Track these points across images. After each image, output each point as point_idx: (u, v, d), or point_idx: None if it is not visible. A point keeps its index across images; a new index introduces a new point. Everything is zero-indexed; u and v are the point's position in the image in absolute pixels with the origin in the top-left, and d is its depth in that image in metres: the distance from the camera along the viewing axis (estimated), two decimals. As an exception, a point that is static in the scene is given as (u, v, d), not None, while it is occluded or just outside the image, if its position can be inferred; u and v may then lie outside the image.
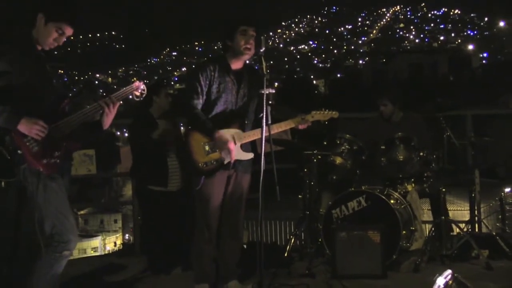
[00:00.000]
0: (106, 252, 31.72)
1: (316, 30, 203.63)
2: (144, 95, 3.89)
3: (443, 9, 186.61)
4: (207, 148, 4.37)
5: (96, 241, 40.54)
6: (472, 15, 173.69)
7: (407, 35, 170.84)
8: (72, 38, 3.89)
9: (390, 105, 6.18)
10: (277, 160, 4.20)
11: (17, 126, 3.50)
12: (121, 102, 3.86)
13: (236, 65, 4.53)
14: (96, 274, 5.71)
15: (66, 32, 3.76)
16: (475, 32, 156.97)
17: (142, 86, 3.87)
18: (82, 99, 3.88)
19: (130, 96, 3.85)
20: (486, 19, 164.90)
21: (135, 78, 3.95)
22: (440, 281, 3.82)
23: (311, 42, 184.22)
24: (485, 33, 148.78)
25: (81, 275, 5.50)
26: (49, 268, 3.71)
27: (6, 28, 4.00)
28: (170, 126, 5.60)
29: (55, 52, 3.90)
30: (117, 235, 43.53)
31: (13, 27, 3.91)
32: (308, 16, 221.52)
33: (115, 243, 42.13)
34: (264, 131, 4.09)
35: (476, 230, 6.23)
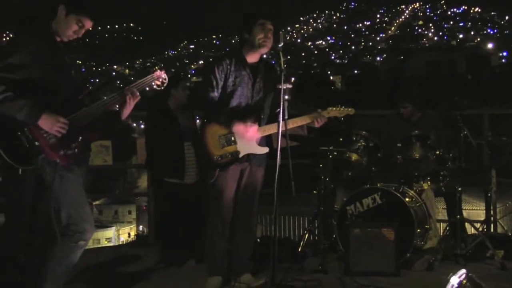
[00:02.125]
0: (120, 243, 31.91)
1: (334, 26, 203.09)
2: (165, 85, 3.90)
3: (463, 7, 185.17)
4: (222, 141, 4.38)
5: (110, 232, 40.84)
6: (492, 13, 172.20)
7: (426, 32, 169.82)
8: (90, 29, 3.90)
9: (410, 106, 6.15)
10: (293, 156, 4.21)
11: (38, 122, 3.53)
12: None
13: (252, 58, 4.53)
14: (110, 265, 5.75)
15: (86, 25, 3.78)
16: (495, 30, 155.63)
17: (164, 76, 3.88)
18: (101, 92, 3.89)
19: (153, 85, 3.87)
20: (506, 17, 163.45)
21: (156, 67, 3.96)
22: (454, 280, 3.80)
23: (329, 38, 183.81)
24: (505, 32, 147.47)
25: (95, 265, 5.54)
26: (65, 257, 3.74)
27: (26, 20, 4.03)
28: (188, 119, 5.61)
29: (74, 43, 3.92)
30: (131, 226, 43.82)
31: (33, 18, 3.94)
32: (327, 12, 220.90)
33: (129, 234, 42.46)
34: (280, 126, 4.09)
35: (492, 230, 6.19)
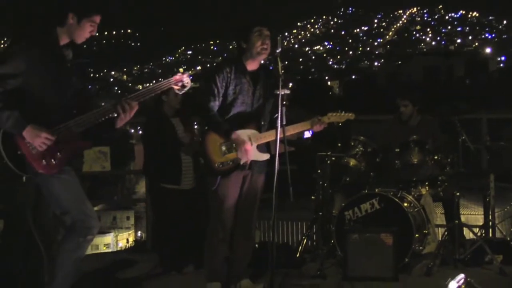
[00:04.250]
0: (118, 249, 31.85)
1: (332, 31, 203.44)
2: (186, 89, 3.82)
3: (461, 11, 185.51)
4: (223, 148, 4.37)
5: (109, 238, 40.74)
6: (490, 18, 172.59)
7: (424, 37, 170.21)
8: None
9: (410, 106, 6.15)
10: (291, 161, 4.20)
11: (23, 133, 3.52)
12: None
13: (252, 66, 4.52)
14: (108, 271, 5.74)
15: (97, 21, 3.78)
16: (493, 35, 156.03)
17: (186, 79, 3.80)
18: (100, 99, 3.87)
19: (176, 88, 3.81)
20: (504, 22, 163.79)
21: (181, 69, 3.83)
22: (453, 285, 3.80)
23: (326, 43, 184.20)
24: (503, 36, 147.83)
25: (93, 271, 5.52)
26: (73, 253, 3.76)
27: (26, 26, 4.02)
28: (184, 124, 5.61)
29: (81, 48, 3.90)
30: (130, 232, 43.72)
31: (35, 25, 3.93)
32: (324, 17, 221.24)
33: (127, 240, 42.36)
34: (279, 132, 4.09)
35: (490, 235, 6.19)
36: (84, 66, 3.94)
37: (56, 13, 3.75)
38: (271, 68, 4.64)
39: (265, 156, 4.53)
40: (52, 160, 3.62)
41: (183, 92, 3.86)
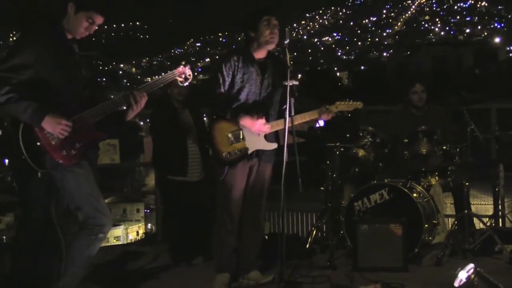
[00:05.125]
0: (128, 241, 31.99)
1: (340, 22, 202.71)
2: (189, 81, 3.87)
3: (470, 1, 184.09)
4: (230, 137, 4.39)
5: (119, 230, 40.91)
6: (499, 7, 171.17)
7: (432, 27, 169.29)
8: (96, 28, 3.88)
9: (422, 88, 6.14)
10: (300, 152, 4.20)
11: (41, 123, 3.53)
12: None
13: (260, 54, 4.52)
14: (118, 263, 5.77)
15: (96, 21, 3.75)
16: (502, 25, 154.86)
17: (188, 72, 3.83)
18: (109, 91, 3.88)
19: (180, 80, 3.84)
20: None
21: (183, 62, 3.90)
22: (462, 275, 3.80)
23: (335, 34, 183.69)
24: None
25: (103, 264, 5.55)
26: (85, 250, 3.78)
27: (34, 18, 4.03)
28: (193, 116, 5.61)
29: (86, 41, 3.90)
30: (140, 224, 43.88)
31: (42, 17, 3.93)
32: (333, 8, 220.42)
33: (137, 232, 42.52)
34: (287, 123, 4.09)
35: (500, 224, 6.18)
36: (92, 58, 3.94)
37: (59, 3, 3.75)
38: (278, 54, 4.64)
39: (273, 146, 4.53)
40: (72, 151, 3.63)
41: (186, 84, 3.90)
